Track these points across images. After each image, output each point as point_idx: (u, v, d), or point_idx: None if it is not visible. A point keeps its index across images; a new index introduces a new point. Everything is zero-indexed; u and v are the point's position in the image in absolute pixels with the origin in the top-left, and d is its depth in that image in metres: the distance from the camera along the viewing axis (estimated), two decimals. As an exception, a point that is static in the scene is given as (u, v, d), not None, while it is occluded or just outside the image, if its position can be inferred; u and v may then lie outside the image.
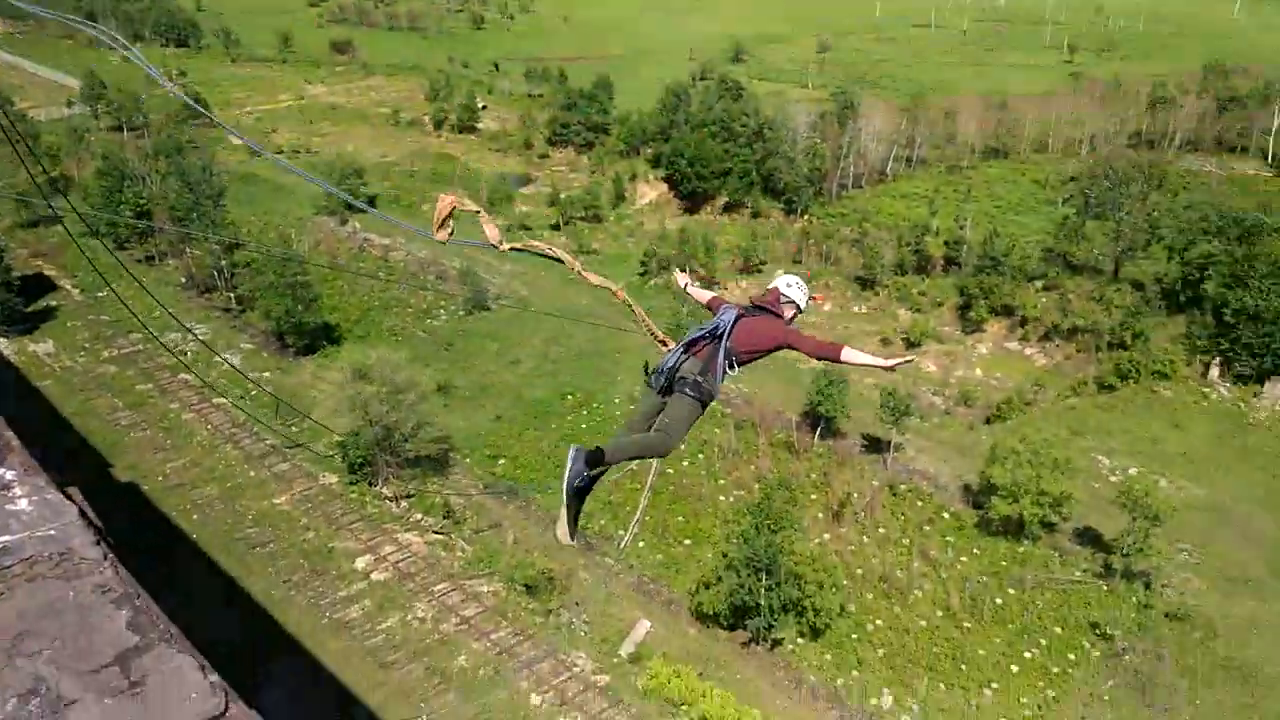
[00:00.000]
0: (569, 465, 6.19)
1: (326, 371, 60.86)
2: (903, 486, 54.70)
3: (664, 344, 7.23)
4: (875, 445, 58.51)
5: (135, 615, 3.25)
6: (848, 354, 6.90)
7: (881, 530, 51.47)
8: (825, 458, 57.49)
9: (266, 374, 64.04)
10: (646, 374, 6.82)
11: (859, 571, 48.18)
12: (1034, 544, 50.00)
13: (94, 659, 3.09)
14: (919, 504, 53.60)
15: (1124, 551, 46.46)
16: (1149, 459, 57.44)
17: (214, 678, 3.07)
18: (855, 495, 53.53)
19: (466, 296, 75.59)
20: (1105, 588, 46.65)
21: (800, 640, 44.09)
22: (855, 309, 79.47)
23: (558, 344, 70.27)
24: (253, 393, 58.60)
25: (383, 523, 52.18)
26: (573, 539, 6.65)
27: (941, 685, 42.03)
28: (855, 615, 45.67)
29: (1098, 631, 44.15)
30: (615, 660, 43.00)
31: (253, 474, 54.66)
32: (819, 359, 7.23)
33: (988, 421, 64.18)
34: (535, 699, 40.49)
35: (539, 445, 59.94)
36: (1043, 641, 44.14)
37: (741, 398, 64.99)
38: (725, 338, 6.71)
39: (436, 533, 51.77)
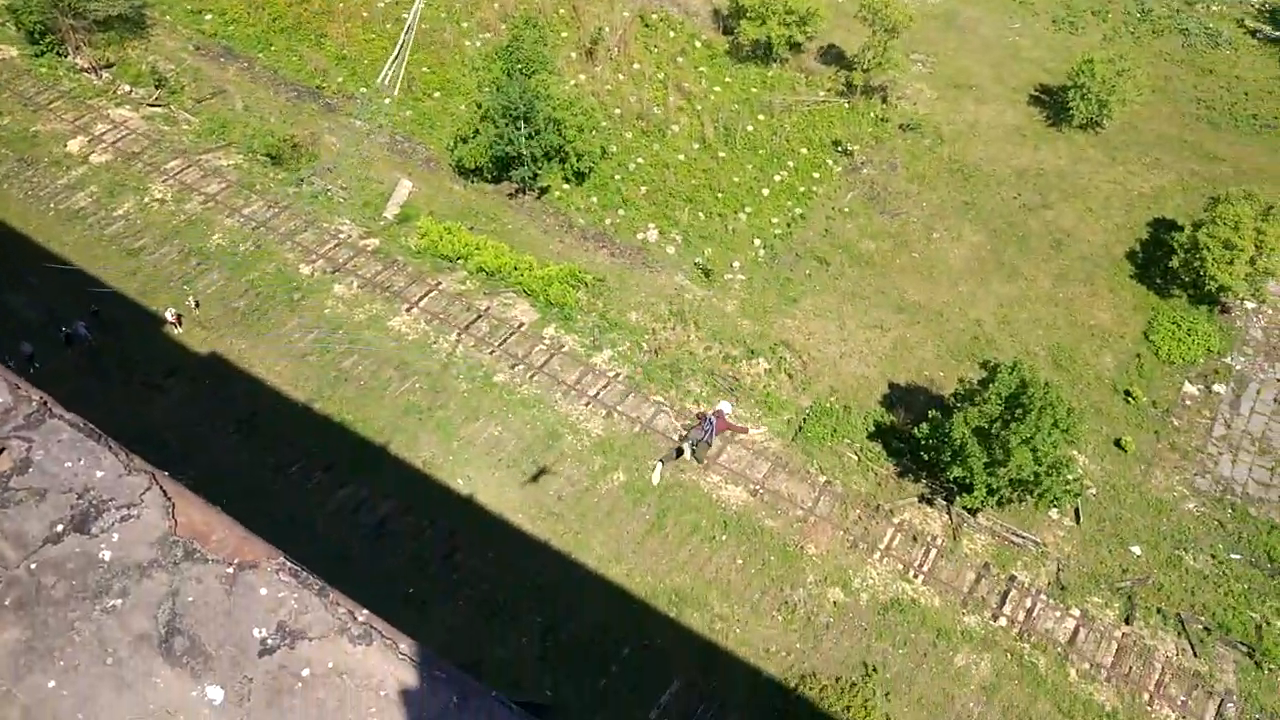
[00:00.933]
0: (675, 454, 29.94)
1: (-43, -86, 49.00)
2: (654, 16, 52.81)
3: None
4: (624, -28, 55.25)
5: None
6: (751, 431, 30.82)
7: (636, 66, 50.31)
8: (573, -10, 53.99)
9: (-127, -80, 50.80)
10: (681, 439, 30.06)
11: (617, 112, 47.64)
12: (782, 67, 50.68)
13: None
14: (671, 34, 52.30)
15: (864, 67, 47.88)
16: (889, -29, 57.69)
17: None
18: (607, 29, 51.34)
19: None
20: (847, 105, 48.68)
21: (566, 186, 44.24)
22: None
23: None
24: None
25: (86, 98, 45.64)
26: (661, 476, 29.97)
27: (700, 214, 43.92)
28: (617, 156, 45.81)
29: (839, 148, 46.71)
30: (381, 223, 41.75)
31: (-99, 56, 45.49)
32: (735, 433, 30.28)
33: (735, -63, 61.60)
34: (305, 269, 39.28)
35: (250, -7, 52.57)
36: (790, 164, 46.29)
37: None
38: (713, 428, 29.23)
39: (153, 105, 46.07)
